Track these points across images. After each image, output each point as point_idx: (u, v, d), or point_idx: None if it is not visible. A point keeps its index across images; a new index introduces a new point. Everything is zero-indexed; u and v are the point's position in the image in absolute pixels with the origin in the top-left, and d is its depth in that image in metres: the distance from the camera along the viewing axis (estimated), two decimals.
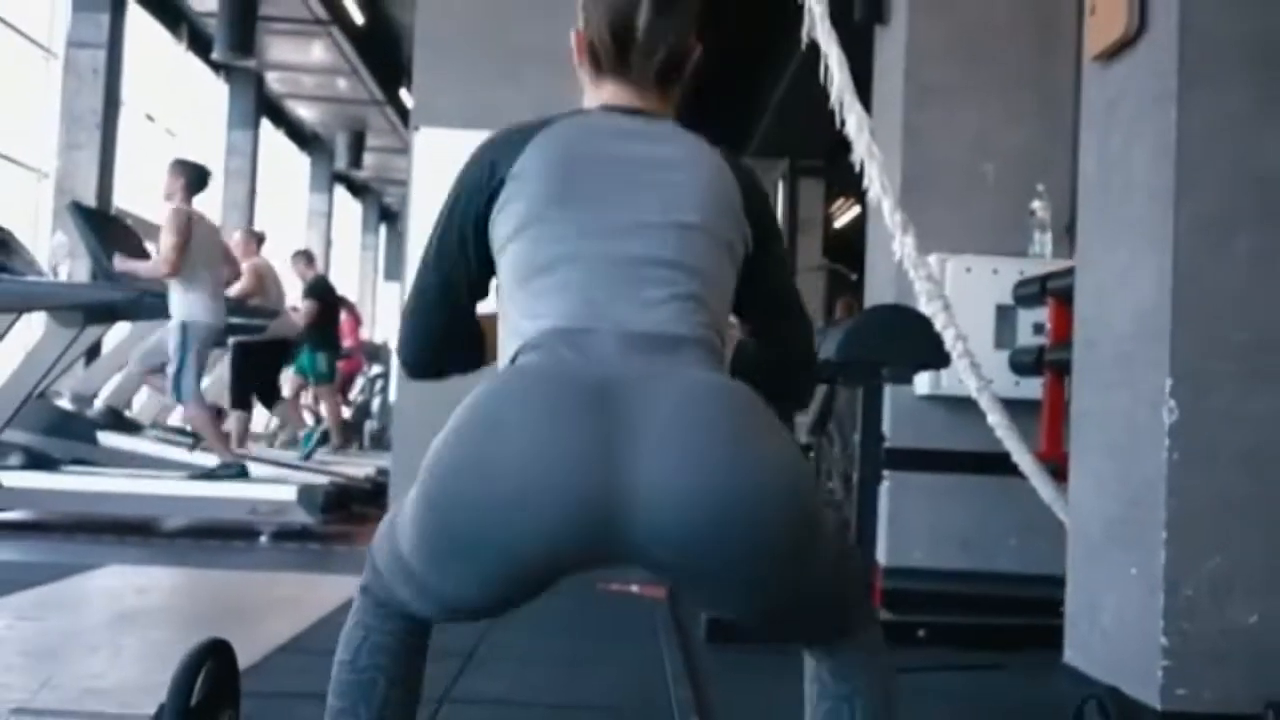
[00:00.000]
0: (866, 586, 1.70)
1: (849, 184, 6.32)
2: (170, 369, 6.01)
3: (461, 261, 1.61)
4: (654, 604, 4.11)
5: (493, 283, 1.63)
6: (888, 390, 4.79)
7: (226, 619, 3.52)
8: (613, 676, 3.09)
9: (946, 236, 5.30)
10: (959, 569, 5.10)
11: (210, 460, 6.15)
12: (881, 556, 5.23)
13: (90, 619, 3.65)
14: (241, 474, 6.04)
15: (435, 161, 5.40)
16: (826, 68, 3.47)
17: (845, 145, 6.09)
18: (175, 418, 8.17)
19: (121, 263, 5.89)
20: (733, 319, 1.66)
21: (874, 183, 3.46)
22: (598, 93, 1.66)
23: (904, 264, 3.53)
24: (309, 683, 1.93)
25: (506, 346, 1.52)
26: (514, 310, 1.51)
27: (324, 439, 8.55)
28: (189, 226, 5.95)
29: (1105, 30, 3.15)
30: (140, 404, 8.06)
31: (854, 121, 3.44)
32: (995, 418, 3.52)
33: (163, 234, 5.87)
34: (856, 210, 7.76)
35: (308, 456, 7.98)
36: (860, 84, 5.93)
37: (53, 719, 2.02)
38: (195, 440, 6.65)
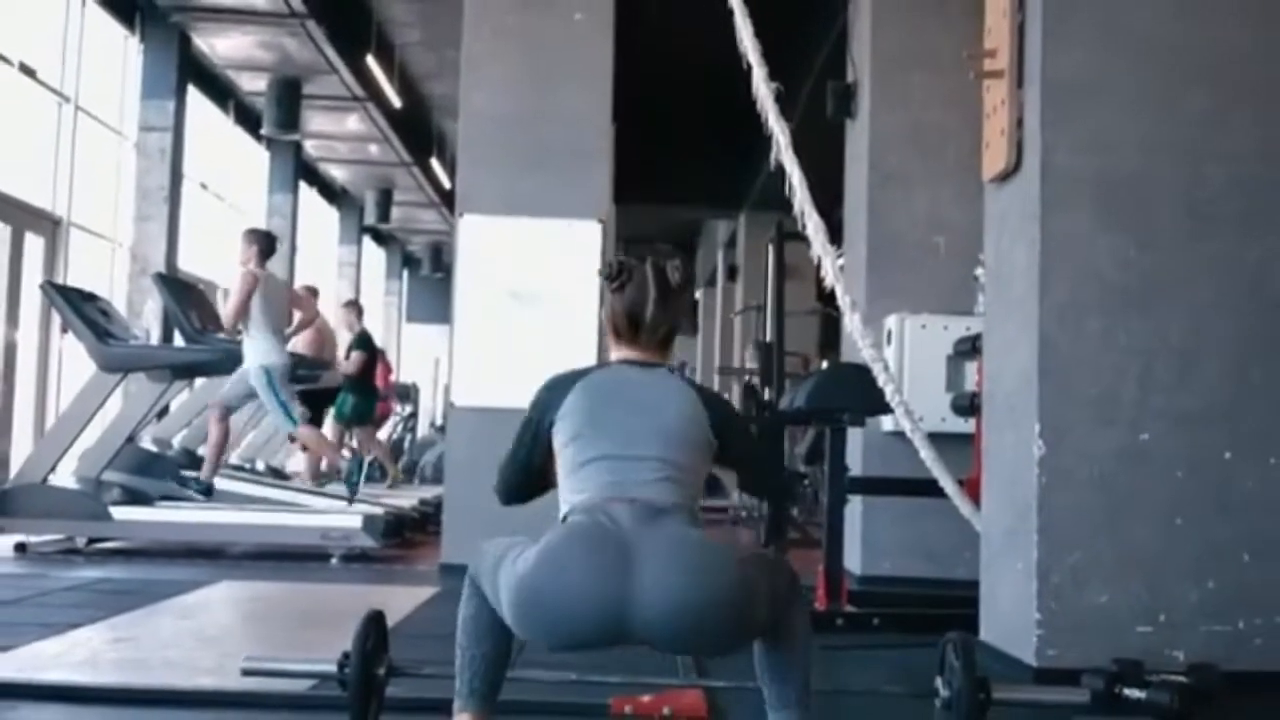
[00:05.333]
0: (796, 586, 2.59)
1: (837, 237, 7.35)
2: (272, 408, 6.96)
3: (535, 453, 2.56)
4: None
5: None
6: (862, 429, 5.78)
7: (331, 617, 4.49)
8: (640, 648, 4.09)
9: (905, 298, 6.36)
10: (922, 576, 6.09)
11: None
12: (855, 566, 6.23)
13: (229, 618, 4.69)
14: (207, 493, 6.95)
15: (477, 242, 6.43)
16: (791, 185, 4.46)
17: (836, 200, 7.13)
18: (234, 458, 9.19)
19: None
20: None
21: (828, 274, 4.45)
22: (618, 351, 2.61)
23: (853, 334, 4.54)
24: (405, 655, 2.89)
25: (563, 503, 2.48)
26: (566, 485, 2.47)
27: (369, 473, 9.49)
28: (255, 286, 6.95)
29: (994, 162, 4.18)
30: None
31: (812, 226, 4.41)
32: (925, 452, 4.49)
33: (232, 293, 6.86)
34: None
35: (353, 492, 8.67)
36: (836, 167, 7.02)
37: (272, 664, 3.02)
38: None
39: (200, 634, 4.27)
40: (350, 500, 7.34)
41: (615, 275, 2.55)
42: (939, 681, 2.83)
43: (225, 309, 6.95)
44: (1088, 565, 3.80)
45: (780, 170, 4.50)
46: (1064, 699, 3.16)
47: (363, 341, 10.13)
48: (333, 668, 2.77)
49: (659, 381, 2.54)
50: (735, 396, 13.00)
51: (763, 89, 4.41)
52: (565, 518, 2.40)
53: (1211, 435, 3.81)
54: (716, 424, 2.51)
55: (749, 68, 4.42)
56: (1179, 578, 3.79)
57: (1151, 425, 3.82)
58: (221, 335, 7.12)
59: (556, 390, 2.51)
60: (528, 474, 2.57)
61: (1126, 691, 3.23)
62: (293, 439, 7.87)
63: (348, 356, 9.93)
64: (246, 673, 2.97)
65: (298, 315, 9.19)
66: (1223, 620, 3.76)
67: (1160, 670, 3.40)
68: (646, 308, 2.54)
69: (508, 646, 2.48)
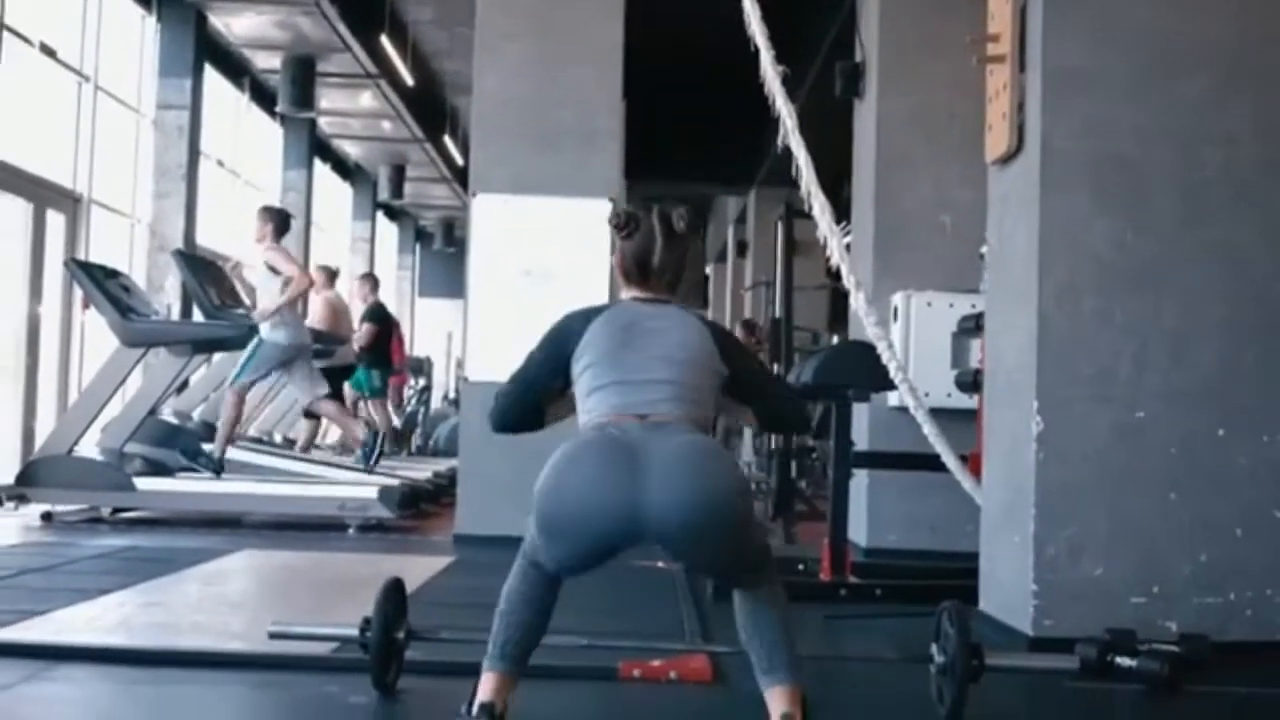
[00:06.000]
0: (769, 553, 2.73)
1: (846, 214, 7.46)
2: (238, 363, 7.14)
3: (543, 377, 2.74)
4: (674, 574, 5.27)
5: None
6: (868, 404, 5.90)
7: (350, 585, 4.64)
8: (647, 618, 4.25)
9: (912, 275, 6.45)
10: (926, 549, 6.20)
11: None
12: (861, 539, 6.35)
13: (252, 585, 4.85)
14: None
15: (490, 220, 6.56)
16: (798, 166, 4.57)
17: (844, 177, 7.20)
18: (254, 429, 9.38)
19: (263, 313, 7.05)
20: None
21: (834, 253, 4.56)
22: (629, 291, 2.78)
23: (858, 313, 4.66)
24: (423, 620, 3.05)
25: (580, 423, 2.64)
26: (583, 406, 2.65)
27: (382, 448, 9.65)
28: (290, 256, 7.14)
29: (997, 144, 4.28)
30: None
31: (818, 206, 4.53)
32: (928, 428, 4.62)
33: (282, 266, 6.99)
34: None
35: (372, 465, 8.78)
36: (845, 145, 7.11)
37: (301, 629, 3.17)
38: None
39: (226, 600, 4.43)
40: (369, 471, 7.49)
41: (624, 224, 2.72)
42: (934, 648, 2.97)
43: (294, 280, 7.00)
44: (1083, 538, 3.92)
45: (788, 151, 4.61)
46: (1054, 665, 3.30)
47: (373, 313, 10.28)
48: (355, 632, 2.93)
49: (669, 314, 2.71)
50: None
51: (770, 72, 4.52)
52: (581, 430, 2.59)
53: (1205, 413, 3.92)
54: (724, 352, 2.69)
55: (757, 50, 4.53)
56: (1172, 551, 3.90)
57: (1146, 403, 3.93)
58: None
59: (577, 321, 2.69)
60: (532, 396, 2.73)
61: (1119, 660, 3.35)
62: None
63: (359, 329, 10.08)
64: (274, 636, 3.12)
65: (318, 299, 9.36)
66: (1215, 592, 3.88)
67: (1153, 640, 3.50)
68: (654, 253, 2.71)
69: (543, 621, 2.59)
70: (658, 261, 2.72)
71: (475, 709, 2.47)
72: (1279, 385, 3.94)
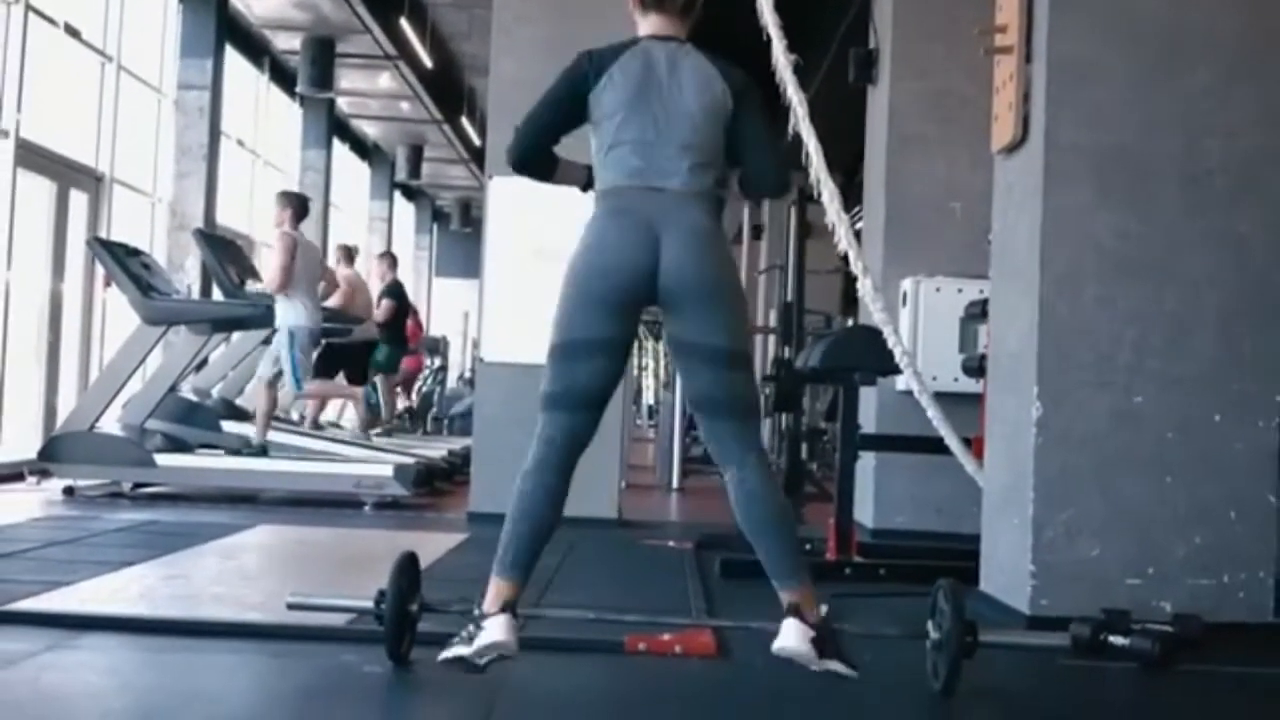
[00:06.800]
0: (759, 425, 2.95)
1: (859, 199, 7.52)
2: (285, 368, 7.32)
3: (561, 110, 2.88)
4: (683, 552, 5.38)
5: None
6: (876, 387, 5.97)
7: (365, 559, 4.73)
8: (654, 594, 4.36)
9: (922, 260, 6.52)
10: (932, 530, 6.29)
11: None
12: (868, 520, 6.44)
13: (270, 559, 4.97)
14: (262, 453, 7.27)
15: (506, 202, 6.64)
16: (808, 154, 4.64)
17: (858, 162, 7.22)
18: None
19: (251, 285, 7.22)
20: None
21: (842, 240, 4.64)
22: (644, 24, 2.89)
23: (864, 299, 4.73)
24: (436, 594, 3.14)
25: (598, 180, 2.85)
26: (601, 161, 2.83)
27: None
28: (295, 249, 7.24)
29: (1003, 134, 4.35)
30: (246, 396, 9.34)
31: (827, 194, 4.60)
32: (931, 411, 4.71)
33: (273, 256, 7.16)
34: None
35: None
36: (858, 132, 7.16)
37: (318, 600, 3.27)
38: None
39: (244, 573, 4.55)
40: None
41: None
42: (930, 624, 3.06)
43: (269, 272, 7.19)
44: (1081, 520, 4.00)
45: (799, 138, 4.68)
46: (1046, 643, 3.39)
47: (391, 290, 10.38)
48: (370, 604, 3.03)
49: (684, 55, 2.83)
50: (758, 356, 13.14)
51: (782, 60, 4.58)
52: (599, 198, 2.85)
53: (1202, 399, 3.99)
54: (733, 90, 2.84)
55: (769, 40, 4.59)
56: (1168, 533, 3.99)
57: (1144, 388, 4.01)
58: (258, 288, 7.39)
59: (601, 60, 2.81)
60: (554, 116, 2.88)
61: (1112, 638, 3.44)
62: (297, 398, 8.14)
63: (378, 306, 10.18)
64: (292, 607, 3.23)
65: (337, 277, 9.48)
66: (1209, 574, 3.96)
67: (1147, 620, 3.58)
68: None
69: (548, 529, 2.81)
70: None
71: (496, 607, 2.70)
72: (1276, 373, 4.01)
